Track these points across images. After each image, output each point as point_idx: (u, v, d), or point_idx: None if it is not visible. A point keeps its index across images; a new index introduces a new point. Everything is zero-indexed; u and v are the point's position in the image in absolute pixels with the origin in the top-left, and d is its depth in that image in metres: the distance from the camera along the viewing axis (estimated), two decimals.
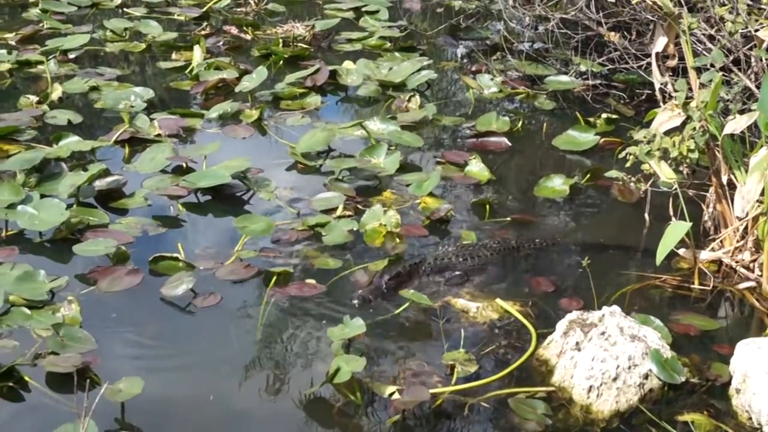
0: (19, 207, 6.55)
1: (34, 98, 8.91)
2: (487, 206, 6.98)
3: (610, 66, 9.18)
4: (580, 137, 8.24)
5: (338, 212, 6.85)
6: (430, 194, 7.16)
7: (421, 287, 5.90)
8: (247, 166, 7.36)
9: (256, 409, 4.96)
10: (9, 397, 4.92)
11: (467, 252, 6.19)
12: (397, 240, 6.54)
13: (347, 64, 9.92)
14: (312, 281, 5.99)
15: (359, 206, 6.96)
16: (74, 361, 5.03)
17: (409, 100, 9.05)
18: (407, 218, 6.89)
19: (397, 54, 10.56)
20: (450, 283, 6.01)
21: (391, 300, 5.73)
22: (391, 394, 4.84)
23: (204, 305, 5.76)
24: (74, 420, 4.49)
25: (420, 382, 5.00)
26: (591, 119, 8.58)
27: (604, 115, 8.53)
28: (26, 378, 5.01)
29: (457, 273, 6.06)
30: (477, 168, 7.61)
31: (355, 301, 5.70)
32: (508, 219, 6.88)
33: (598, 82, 9.29)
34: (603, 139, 8.19)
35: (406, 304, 5.69)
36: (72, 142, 7.76)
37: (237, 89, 9.27)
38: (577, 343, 5.10)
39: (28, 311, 5.55)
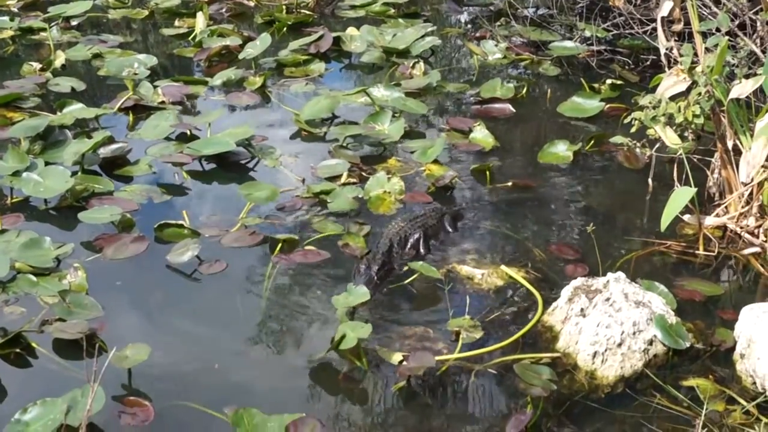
0: (24, 174, 6.55)
1: (37, 65, 8.91)
2: (488, 172, 6.96)
3: (615, 31, 9.16)
4: (584, 103, 8.22)
5: (343, 179, 6.85)
6: (435, 161, 7.15)
7: (398, 263, 5.88)
8: (252, 134, 7.36)
9: (261, 375, 4.98)
10: (17, 364, 4.95)
11: (419, 221, 6.16)
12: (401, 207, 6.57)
13: (351, 30, 9.91)
14: (316, 248, 6.00)
15: (364, 173, 6.96)
16: (81, 327, 5.05)
17: (413, 67, 9.02)
18: (412, 185, 6.89)
19: (401, 20, 10.54)
20: (414, 248, 5.99)
21: (382, 289, 5.64)
22: (400, 362, 4.86)
23: (209, 272, 5.78)
24: (82, 386, 4.51)
25: (425, 349, 5.02)
26: (596, 85, 8.55)
27: (608, 81, 8.49)
28: (33, 344, 5.04)
29: (416, 236, 6.03)
30: (481, 135, 7.60)
31: None
32: (509, 184, 6.85)
33: (603, 47, 9.26)
34: (607, 105, 8.17)
35: (415, 275, 5.69)
36: (76, 110, 7.77)
37: (240, 56, 9.25)
38: (582, 310, 5.10)
39: (34, 278, 5.57)
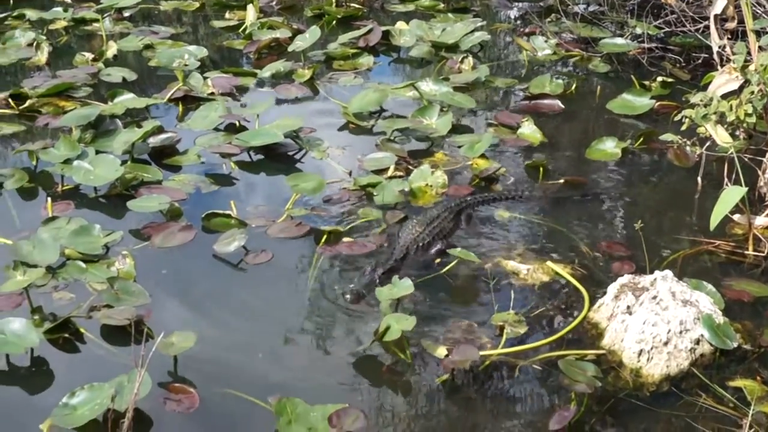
0: (75, 162, 6.63)
1: (89, 55, 9.02)
2: (542, 168, 6.93)
3: (667, 29, 9.08)
4: (634, 101, 8.14)
5: (389, 173, 6.86)
6: (482, 156, 7.13)
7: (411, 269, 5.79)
8: (300, 126, 7.39)
9: (305, 365, 5.00)
10: (65, 348, 5.02)
11: (436, 224, 6.08)
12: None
13: (400, 24, 9.92)
14: (362, 240, 6.01)
15: (410, 167, 6.94)
16: (128, 314, 5.11)
17: (461, 62, 9.00)
18: (458, 179, 6.88)
19: (450, 15, 10.54)
20: (434, 257, 5.91)
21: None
22: (446, 356, 4.85)
23: (255, 262, 5.81)
24: (128, 371, 4.56)
25: (469, 342, 5.01)
26: (646, 83, 8.48)
27: (659, 79, 8.43)
28: (81, 330, 5.10)
29: (438, 248, 5.98)
30: (529, 130, 7.57)
31: (348, 296, 5.40)
32: (561, 181, 6.81)
33: (654, 45, 9.18)
34: (658, 103, 8.10)
35: (453, 263, 5.68)
36: (127, 100, 7.86)
37: (290, 49, 9.30)
38: (629, 307, 5.07)
39: (83, 265, 5.64)
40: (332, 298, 5.49)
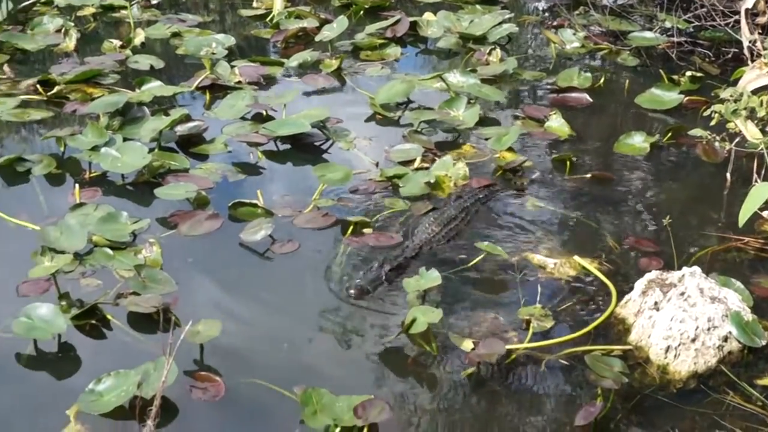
0: (103, 149, 6.65)
1: (117, 43, 9.04)
2: (568, 162, 6.90)
3: (696, 23, 9.02)
4: (663, 95, 8.09)
5: (416, 164, 6.84)
6: (509, 149, 7.10)
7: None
8: (327, 116, 7.39)
9: (330, 356, 5.00)
10: (92, 335, 5.04)
11: (453, 226, 6.02)
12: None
13: (428, 15, 9.88)
14: (388, 232, 6.00)
15: (437, 158, 6.92)
16: (155, 301, 5.12)
17: (489, 54, 8.96)
18: (483, 171, 6.85)
19: (478, 6, 10.47)
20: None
21: (391, 288, 5.52)
22: (472, 349, 4.83)
23: (282, 252, 5.81)
24: (154, 359, 4.58)
25: (495, 336, 5.00)
26: (675, 77, 8.40)
27: (688, 73, 8.35)
28: (108, 317, 5.12)
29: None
30: (557, 123, 7.53)
31: (351, 291, 5.35)
32: (588, 175, 6.78)
33: (684, 39, 9.11)
34: (687, 98, 8.04)
35: (481, 256, 5.67)
36: (154, 87, 7.86)
37: (317, 38, 9.30)
38: (656, 303, 5.04)
39: (110, 252, 5.65)
40: None
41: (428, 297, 5.33)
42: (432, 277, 5.27)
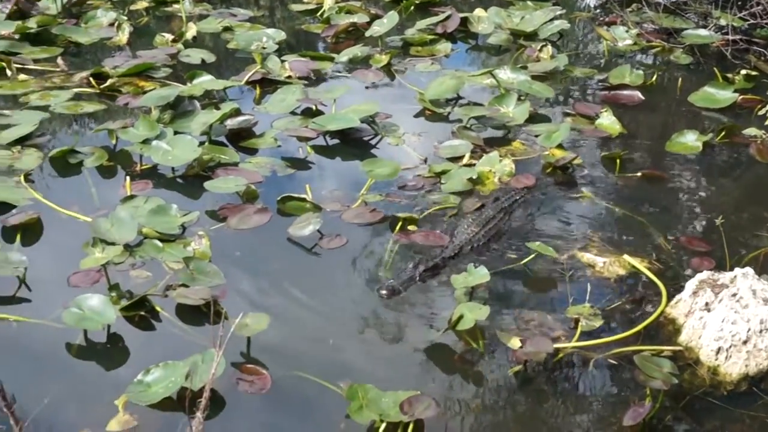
0: (154, 142, 6.70)
1: (169, 36, 9.10)
2: (618, 160, 6.83)
3: (752, 21, 8.89)
4: (717, 94, 7.98)
5: (465, 160, 6.82)
6: (559, 146, 7.04)
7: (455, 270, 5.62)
8: (376, 111, 7.38)
9: (377, 351, 4.99)
10: (141, 326, 5.07)
11: (492, 225, 5.94)
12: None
13: (478, 11, 9.85)
14: (438, 231, 5.97)
15: (486, 155, 6.88)
16: (203, 294, 5.15)
17: (540, 50, 8.91)
18: (531, 168, 6.82)
19: (529, 3, 10.41)
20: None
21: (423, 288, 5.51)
22: (520, 347, 4.80)
23: (329, 247, 5.81)
24: (202, 351, 4.61)
25: (543, 334, 4.96)
26: (729, 75, 8.31)
27: (743, 72, 8.25)
28: (157, 308, 5.15)
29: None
30: (608, 121, 7.47)
31: (383, 291, 5.31)
32: (639, 174, 6.70)
33: (738, 37, 8.98)
34: (741, 97, 7.93)
35: (532, 256, 5.63)
36: (205, 81, 7.91)
37: (367, 34, 9.29)
38: (707, 304, 4.97)
39: (160, 244, 5.69)
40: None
41: (476, 294, 5.31)
42: (480, 275, 5.25)
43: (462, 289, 5.25)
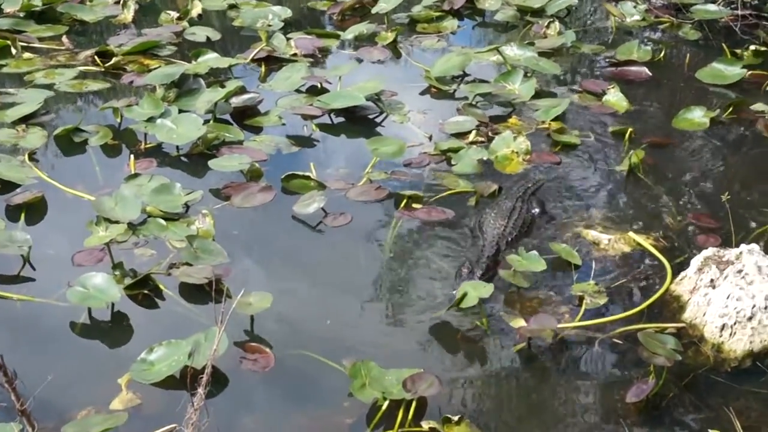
0: (158, 120, 6.68)
1: (174, 14, 9.08)
2: (626, 135, 6.79)
3: None
4: (725, 70, 7.92)
5: (471, 137, 6.79)
6: (557, 119, 7.03)
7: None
8: (381, 89, 7.34)
9: (380, 329, 4.98)
10: (144, 304, 5.08)
11: (517, 216, 5.77)
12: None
13: None
14: (441, 207, 5.96)
15: (491, 133, 6.85)
16: (207, 272, 5.15)
17: (547, 27, 8.86)
18: (535, 143, 6.79)
19: None
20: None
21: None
22: (523, 325, 4.78)
23: (334, 225, 5.80)
24: (205, 329, 4.61)
25: (547, 312, 4.95)
26: (738, 51, 8.24)
27: (752, 47, 8.18)
28: (161, 286, 5.16)
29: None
30: (615, 98, 7.42)
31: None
32: (645, 150, 6.62)
33: (748, 12, 8.91)
34: (749, 72, 7.87)
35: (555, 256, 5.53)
36: (210, 59, 7.89)
37: (373, 11, 9.24)
38: (712, 281, 4.95)
39: (163, 222, 5.69)
40: (410, 263, 5.47)
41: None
42: (534, 260, 5.28)
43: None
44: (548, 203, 6.06)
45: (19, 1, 8.99)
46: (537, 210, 5.96)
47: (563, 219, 5.89)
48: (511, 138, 6.64)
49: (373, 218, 5.91)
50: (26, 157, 6.43)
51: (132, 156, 6.43)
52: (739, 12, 8.81)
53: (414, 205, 5.94)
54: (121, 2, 9.29)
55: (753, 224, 5.80)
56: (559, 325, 4.82)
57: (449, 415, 4.28)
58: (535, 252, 5.29)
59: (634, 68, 8.09)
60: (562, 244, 5.57)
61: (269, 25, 8.74)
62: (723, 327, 4.76)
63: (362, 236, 5.73)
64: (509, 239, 5.63)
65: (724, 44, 8.43)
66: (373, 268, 5.44)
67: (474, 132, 6.83)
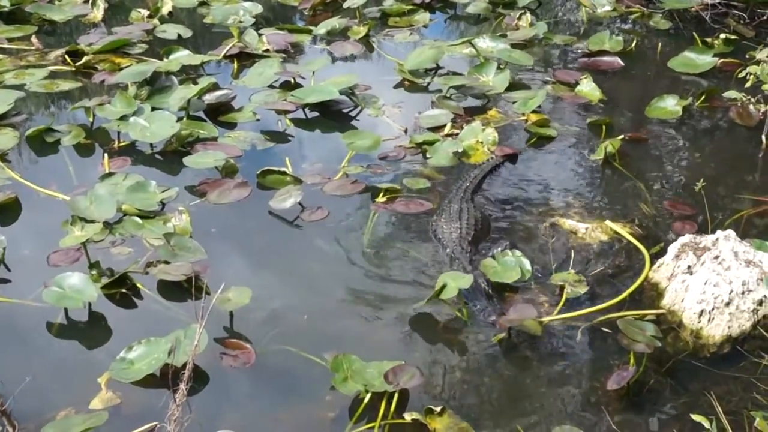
0: (131, 119, 6.64)
1: (144, 12, 9.02)
2: (604, 126, 6.81)
3: None
4: (696, 58, 7.95)
5: (446, 130, 6.79)
6: (535, 112, 7.03)
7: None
8: (355, 83, 7.33)
9: (360, 322, 4.97)
10: (122, 303, 5.05)
11: (467, 218, 5.60)
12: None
13: None
14: (418, 199, 5.96)
15: (466, 125, 6.85)
16: (185, 270, 5.12)
17: (519, 18, 8.87)
18: (509, 136, 6.83)
19: None
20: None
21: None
22: (502, 318, 4.79)
23: (311, 219, 5.79)
24: (184, 327, 4.60)
25: (527, 302, 4.96)
26: (708, 40, 8.27)
27: (722, 36, 8.20)
28: (139, 285, 5.13)
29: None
30: (588, 88, 7.44)
31: (492, 318, 4.84)
32: (620, 139, 6.63)
33: (718, 1, 8.94)
34: (720, 61, 7.90)
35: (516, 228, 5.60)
36: (182, 56, 7.85)
37: (345, 5, 9.22)
38: (689, 267, 4.97)
39: (139, 221, 5.65)
40: (388, 255, 5.47)
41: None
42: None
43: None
44: (523, 192, 6.07)
45: None
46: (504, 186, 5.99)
47: (540, 209, 5.89)
48: (479, 128, 6.65)
49: (350, 212, 5.91)
50: None
51: (106, 155, 6.38)
52: (709, 1, 8.84)
53: (391, 198, 5.93)
54: (91, 1, 9.21)
55: (728, 211, 5.84)
56: (542, 319, 4.83)
57: (432, 407, 4.28)
58: (510, 256, 5.22)
59: (606, 58, 8.11)
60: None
61: (240, 22, 8.70)
62: (701, 313, 4.78)
63: (340, 230, 5.72)
64: (468, 240, 5.51)
65: (694, 33, 8.46)
66: (352, 261, 5.43)
67: (449, 125, 6.83)
